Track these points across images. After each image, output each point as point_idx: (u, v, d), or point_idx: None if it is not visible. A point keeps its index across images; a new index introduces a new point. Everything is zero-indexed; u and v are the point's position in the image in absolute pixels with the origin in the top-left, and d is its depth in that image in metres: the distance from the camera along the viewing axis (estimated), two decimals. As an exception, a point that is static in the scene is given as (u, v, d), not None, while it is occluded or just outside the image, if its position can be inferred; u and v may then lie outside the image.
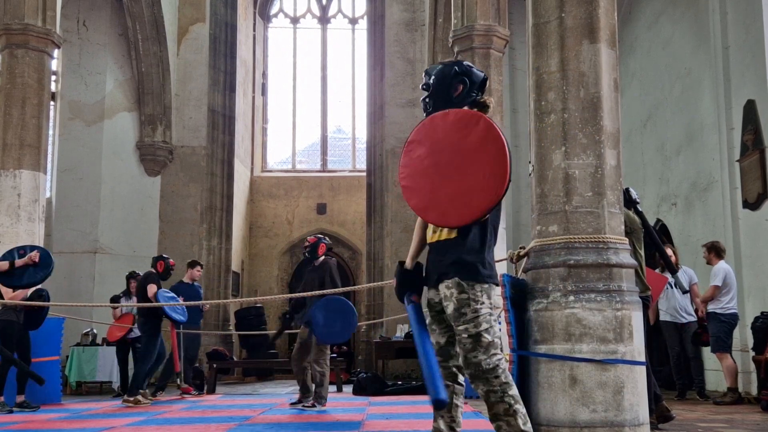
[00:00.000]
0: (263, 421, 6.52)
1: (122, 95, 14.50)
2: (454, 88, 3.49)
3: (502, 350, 3.39)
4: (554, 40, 4.79)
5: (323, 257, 8.09)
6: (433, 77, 3.55)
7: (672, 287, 8.59)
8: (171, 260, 9.65)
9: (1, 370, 7.85)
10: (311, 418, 6.65)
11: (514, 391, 3.32)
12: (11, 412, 7.69)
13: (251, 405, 8.39)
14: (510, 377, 3.35)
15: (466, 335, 3.33)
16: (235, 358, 14.78)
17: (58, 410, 8.11)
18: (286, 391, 11.64)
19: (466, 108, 3.46)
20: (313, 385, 7.72)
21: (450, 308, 3.39)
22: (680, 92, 10.87)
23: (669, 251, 8.70)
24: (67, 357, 11.60)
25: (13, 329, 7.94)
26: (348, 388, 11.15)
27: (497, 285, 3.44)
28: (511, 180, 3.25)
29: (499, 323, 5.92)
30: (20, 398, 7.99)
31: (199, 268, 11.02)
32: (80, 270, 13.46)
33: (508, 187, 3.27)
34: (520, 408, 3.31)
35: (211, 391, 11.01)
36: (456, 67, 3.54)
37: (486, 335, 3.32)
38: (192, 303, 9.76)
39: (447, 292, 3.40)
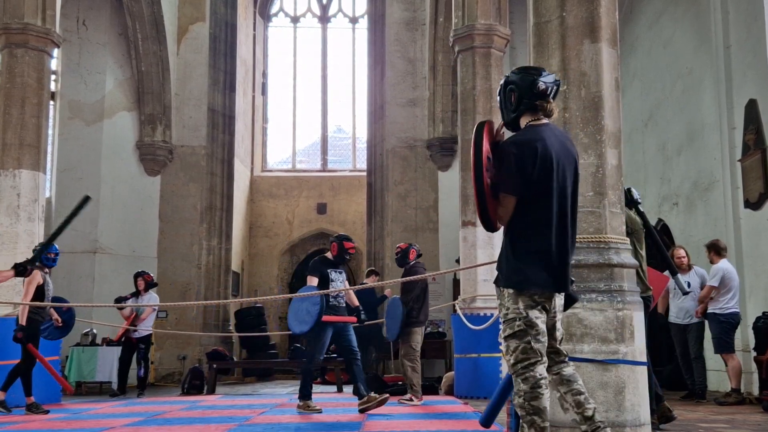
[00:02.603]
0: (263, 421, 6.50)
1: (122, 95, 14.48)
2: (508, 97, 3.62)
3: (540, 354, 3.40)
4: (555, 40, 4.77)
5: (414, 262, 8.41)
6: (499, 88, 3.73)
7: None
8: (348, 242, 7.67)
9: (25, 370, 7.79)
10: (311, 419, 6.63)
11: (538, 402, 3.35)
12: (47, 412, 7.66)
13: (251, 405, 8.38)
14: (542, 388, 3.36)
15: (501, 339, 3.49)
16: (234, 359, 14.76)
17: (58, 410, 8.09)
18: (286, 392, 11.62)
19: (487, 120, 3.58)
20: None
21: None
22: (681, 92, 10.85)
23: (681, 252, 8.71)
24: (67, 357, 11.59)
25: (35, 328, 7.86)
26: (348, 388, 11.12)
27: (529, 289, 3.41)
28: (481, 202, 3.39)
29: (499, 322, 5.93)
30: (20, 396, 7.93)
31: (374, 276, 10.97)
32: (80, 270, 13.44)
33: (482, 208, 3.41)
34: (537, 420, 3.35)
35: (211, 391, 10.99)
36: (508, 77, 3.67)
37: (514, 340, 3.41)
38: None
39: None
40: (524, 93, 3.56)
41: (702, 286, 8.52)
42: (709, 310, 8.23)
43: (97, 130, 14.08)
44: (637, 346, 4.42)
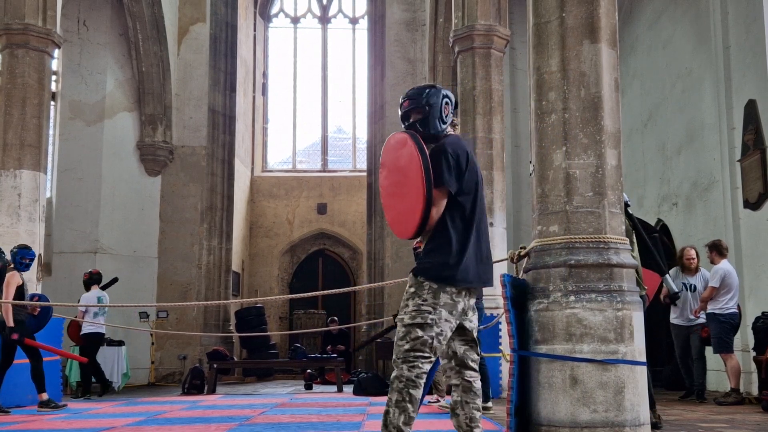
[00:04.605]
0: (263, 421, 6.51)
1: (122, 95, 14.50)
2: (444, 108, 3.71)
3: (435, 353, 3.46)
4: (555, 40, 4.78)
5: None
6: (426, 99, 3.70)
7: (686, 290, 8.62)
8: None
9: (36, 369, 7.74)
10: (312, 418, 6.65)
11: (416, 392, 3.42)
12: (65, 406, 7.65)
13: (252, 405, 8.39)
14: (422, 379, 3.43)
15: (401, 324, 3.51)
16: (235, 359, 14.78)
17: (59, 410, 8.09)
18: (286, 391, 11.64)
19: (405, 131, 3.67)
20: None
21: (402, 299, 3.60)
22: (681, 92, 10.86)
23: (692, 252, 8.74)
24: (68, 357, 11.59)
25: (23, 326, 7.81)
26: (348, 388, 11.14)
27: (455, 289, 3.49)
28: (429, 200, 3.43)
29: (499, 323, 5.95)
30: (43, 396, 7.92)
31: None
32: (81, 270, 13.33)
33: (428, 206, 3.45)
34: (410, 408, 3.41)
35: (212, 391, 11.00)
36: (442, 90, 3.76)
37: (418, 330, 3.45)
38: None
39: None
40: (454, 107, 3.75)
41: (704, 288, 8.55)
42: (709, 310, 8.25)
43: (97, 130, 14.09)
44: (637, 346, 4.43)
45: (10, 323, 7.60)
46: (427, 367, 3.45)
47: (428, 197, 3.43)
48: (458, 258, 3.51)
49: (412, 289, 3.52)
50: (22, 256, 7.86)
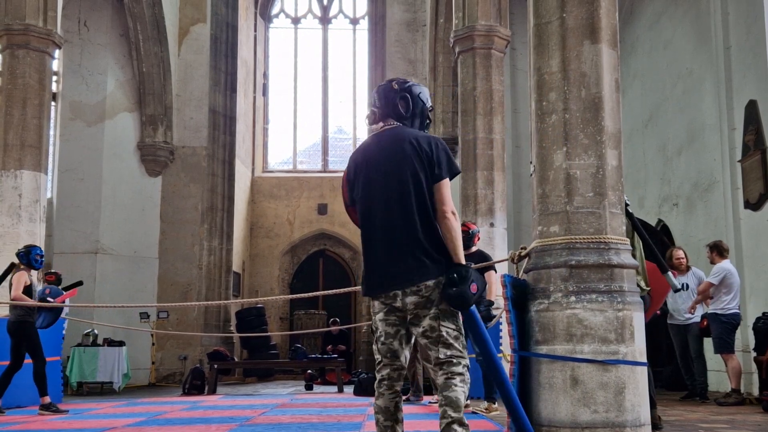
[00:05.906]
0: (264, 421, 6.51)
1: (123, 95, 14.50)
2: (420, 112, 3.78)
3: (383, 354, 3.52)
4: (555, 41, 4.78)
5: (478, 248, 7.51)
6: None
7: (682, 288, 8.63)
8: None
9: (38, 371, 7.72)
10: (312, 419, 6.65)
11: (379, 401, 3.57)
12: (66, 412, 7.66)
13: (252, 405, 8.39)
14: (381, 388, 3.54)
15: None
16: (235, 359, 14.78)
17: (60, 415, 8.09)
18: (287, 392, 11.64)
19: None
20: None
21: None
22: (681, 92, 10.86)
23: (680, 253, 8.75)
24: (68, 357, 11.60)
25: (29, 329, 7.78)
26: (349, 389, 11.14)
27: (367, 294, 3.59)
28: (349, 205, 3.67)
29: (500, 323, 5.89)
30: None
31: None
32: (81, 270, 13.39)
33: (350, 213, 3.70)
34: (380, 419, 3.56)
35: (212, 391, 11.01)
36: (418, 90, 3.72)
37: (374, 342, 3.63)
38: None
39: None
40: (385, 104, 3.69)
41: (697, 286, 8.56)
42: (710, 310, 8.24)
43: (98, 130, 14.10)
44: (638, 347, 4.43)
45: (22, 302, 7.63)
46: (385, 372, 3.52)
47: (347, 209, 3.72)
48: (365, 267, 3.60)
49: None
50: (36, 254, 7.87)
